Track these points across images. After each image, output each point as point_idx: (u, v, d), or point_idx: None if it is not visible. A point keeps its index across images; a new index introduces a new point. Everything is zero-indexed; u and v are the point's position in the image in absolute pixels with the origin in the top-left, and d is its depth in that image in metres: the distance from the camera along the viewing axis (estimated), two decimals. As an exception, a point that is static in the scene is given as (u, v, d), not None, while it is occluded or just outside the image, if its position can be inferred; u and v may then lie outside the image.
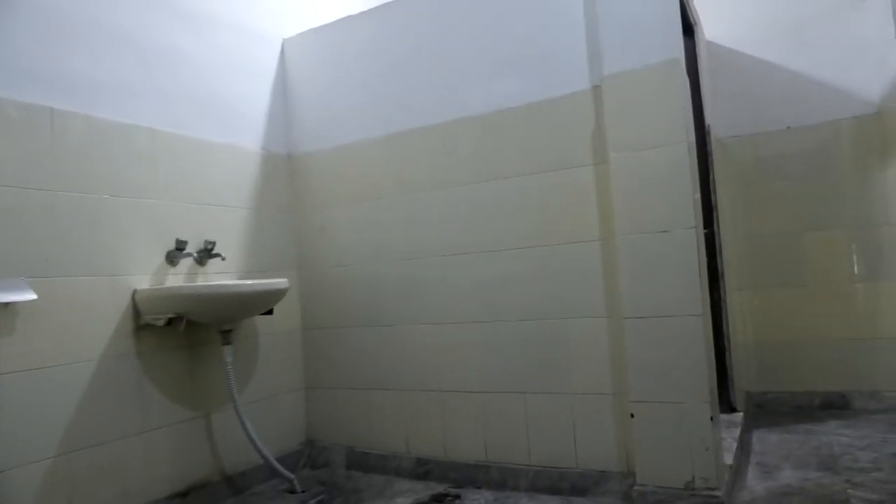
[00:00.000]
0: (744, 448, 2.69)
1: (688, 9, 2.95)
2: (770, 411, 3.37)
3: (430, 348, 2.69)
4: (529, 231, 2.47)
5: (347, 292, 2.91)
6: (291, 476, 2.52)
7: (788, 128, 3.41)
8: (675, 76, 2.10)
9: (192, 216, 2.50)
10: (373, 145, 2.84)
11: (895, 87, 2.98)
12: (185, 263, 2.44)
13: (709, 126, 3.14)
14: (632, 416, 2.16)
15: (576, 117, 2.37)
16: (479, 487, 2.49)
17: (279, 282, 2.41)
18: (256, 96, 2.92)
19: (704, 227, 3.06)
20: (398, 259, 2.77)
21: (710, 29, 3.53)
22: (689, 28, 3.08)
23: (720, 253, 3.10)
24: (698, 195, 2.27)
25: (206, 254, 2.49)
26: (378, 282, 2.82)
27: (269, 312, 2.58)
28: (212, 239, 2.52)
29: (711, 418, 2.04)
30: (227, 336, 2.38)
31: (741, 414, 3.07)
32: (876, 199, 3.23)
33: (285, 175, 3.03)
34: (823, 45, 3.35)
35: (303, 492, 2.51)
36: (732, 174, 3.53)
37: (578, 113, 2.36)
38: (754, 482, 2.33)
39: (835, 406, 3.28)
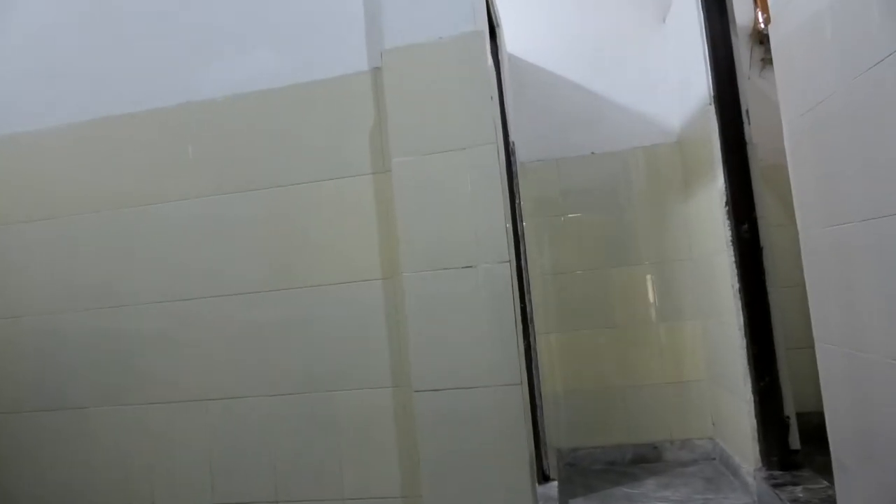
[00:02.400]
0: (563, 533, 2.18)
1: (490, 4, 2.49)
2: (582, 470, 2.96)
3: (136, 442, 1.80)
4: (286, 265, 1.73)
5: (11, 357, 1.91)
6: None
7: (593, 153, 3.12)
8: (480, 55, 1.54)
9: None
10: (55, 137, 1.91)
11: (693, 117, 2.79)
12: None
13: (513, 144, 2.70)
14: (428, 531, 1.50)
15: (350, 108, 1.71)
16: None
17: None
18: None
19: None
20: (92, 307, 1.86)
21: (510, 41, 3.15)
22: (491, 30, 2.62)
23: (528, 292, 2.63)
24: (510, 222, 1.74)
25: None
26: (60, 341, 1.87)
27: None
28: None
29: (533, 526, 1.45)
30: None
31: (555, 484, 2.58)
32: (678, 232, 3.02)
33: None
34: (624, 67, 3.13)
35: None
36: (537, 202, 3.14)
37: (354, 102, 1.71)
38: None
39: (647, 459, 2.97)
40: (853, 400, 1.41)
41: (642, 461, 2.97)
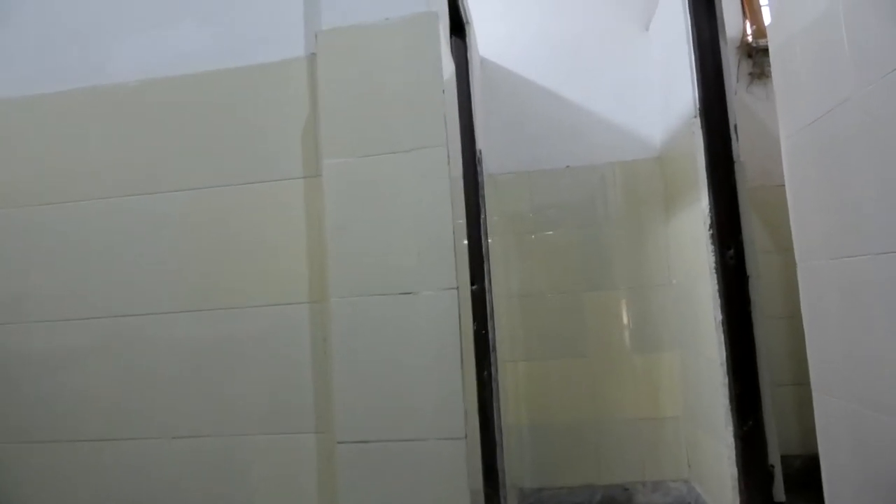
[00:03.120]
0: None
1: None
2: (546, 513, 2.70)
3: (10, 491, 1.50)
4: (198, 282, 1.46)
5: None
6: None
7: (568, 167, 2.89)
8: (432, 41, 1.30)
9: None
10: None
11: (677, 131, 2.58)
12: None
13: (480, 152, 2.46)
14: None
15: (283, 100, 1.46)
16: None
17: None
18: None
19: (472, 283, 2.33)
20: (-32, 325, 1.56)
21: (483, 44, 2.92)
22: (459, 25, 2.39)
23: (492, 317, 2.38)
24: (465, 240, 1.49)
25: None
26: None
27: None
28: None
29: None
30: None
31: (515, 532, 2.32)
32: (657, 256, 2.80)
33: None
34: (604, 75, 2.92)
35: None
36: (506, 218, 2.90)
37: (287, 93, 1.45)
38: None
39: (616, 501, 2.72)
40: (860, 468, 1.17)
41: (611, 503, 2.72)
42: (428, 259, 1.23)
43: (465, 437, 1.21)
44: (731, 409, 2.09)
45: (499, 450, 2.33)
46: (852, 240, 1.16)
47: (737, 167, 2.16)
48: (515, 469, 2.75)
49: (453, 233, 1.24)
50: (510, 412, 2.79)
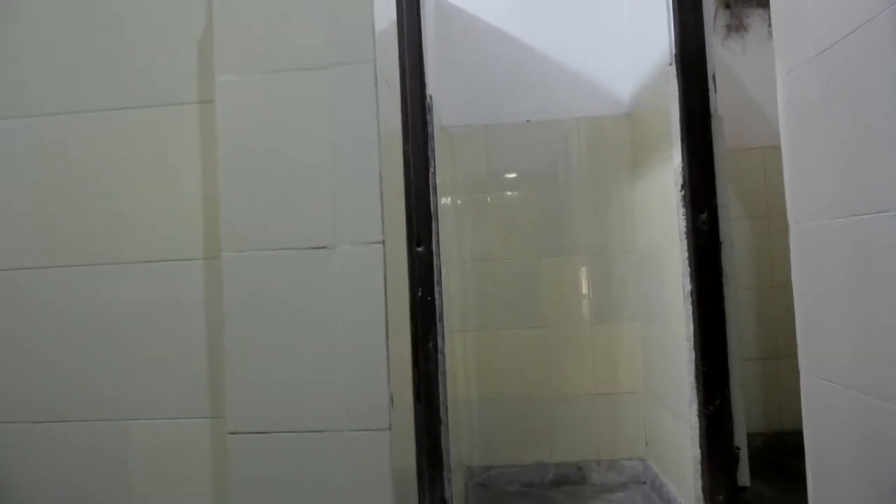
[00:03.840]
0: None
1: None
2: (495, 493, 2.52)
3: None
4: (68, 232, 1.16)
5: None
6: None
7: (528, 121, 2.64)
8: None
9: None
10: None
11: (649, 82, 2.35)
12: None
13: (431, 98, 2.18)
14: None
15: (176, 4, 1.15)
16: None
17: None
18: None
19: (418, 244, 2.08)
20: None
21: (442, -19, 2.63)
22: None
23: (439, 283, 2.14)
24: (401, 187, 1.23)
25: None
26: None
27: None
28: None
29: None
30: None
31: (459, 517, 2.13)
32: (621, 220, 2.59)
33: None
34: (571, 22, 2.66)
35: None
36: (460, 175, 2.65)
37: (177, -3, 1.15)
38: None
39: (570, 481, 2.55)
40: (860, 465, 0.98)
41: (564, 483, 2.55)
42: (347, 205, 0.97)
43: (390, 427, 0.97)
44: (697, 388, 1.91)
45: (443, 428, 2.11)
46: (867, 194, 0.94)
47: (714, 121, 1.95)
48: (463, 447, 2.55)
49: (380, 174, 0.98)
50: (459, 386, 2.58)
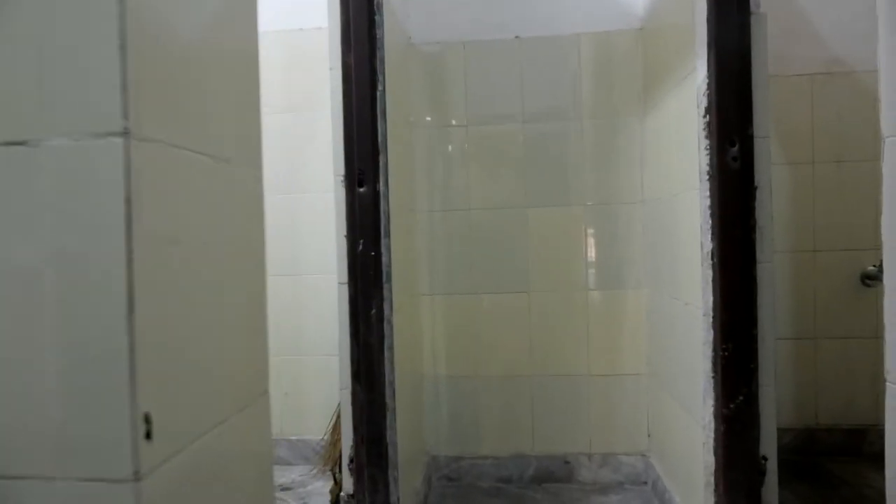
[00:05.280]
0: None
1: None
2: (465, 489, 2.11)
3: None
4: None
5: None
6: None
7: (518, 38, 2.13)
8: None
9: None
10: None
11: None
12: None
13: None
14: None
15: None
16: None
17: None
18: None
19: (360, 185, 1.62)
20: None
21: None
22: None
23: (387, 234, 1.67)
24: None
25: None
26: None
27: None
28: None
29: None
30: None
31: (406, 526, 1.72)
32: (628, 163, 2.10)
33: None
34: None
35: None
36: (430, 104, 2.16)
37: None
38: None
39: (555, 478, 2.12)
40: None
41: (548, 479, 2.12)
42: (58, 76, 0.51)
43: (137, 476, 0.52)
44: (715, 378, 1.45)
45: (389, 415, 1.68)
46: None
47: (754, 21, 1.43)
48: (428, 433, 2.13)
49: (119, 16, 0.50)
50: (424, 361, 2.14)
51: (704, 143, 1.48)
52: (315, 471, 2.19)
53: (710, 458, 1.48)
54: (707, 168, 1.48)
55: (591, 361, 2.11)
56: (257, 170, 0.78)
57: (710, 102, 1.47)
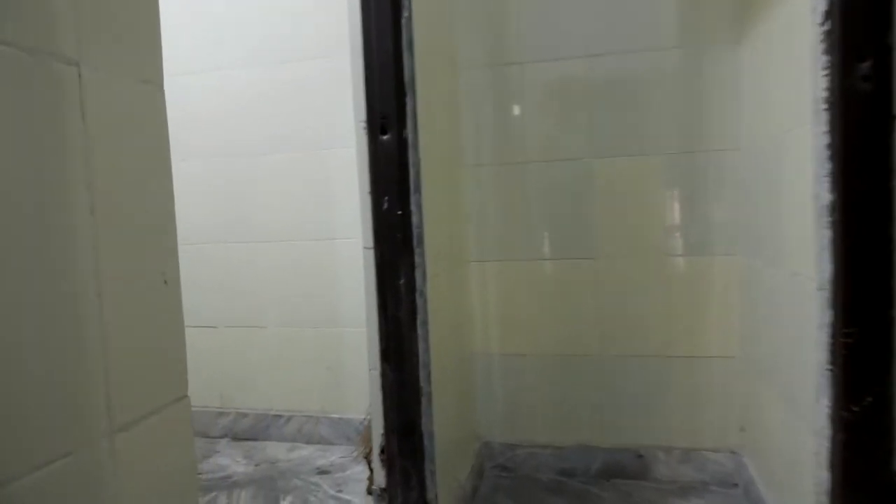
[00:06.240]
0: None
1: None
2: (521, 481, 1.86)
3: None
4: None
5: None
6: None
7: (584, -46, 1.77)
8: None
9: None
10: None
11: None
12: None
13: None
14: None
15: None
16: None
17: None
18: None
19: (383, 131, 1.37)
20: None
21: None
22: None
23: (417, 189, 1.41)
24: None
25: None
26: None
27: None
28: None
29: None
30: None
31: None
32: (721, 100, 1.72)
33: None
34: None
35: None
36: (474, 37, 1.85)
37: None
38: None
39: (626, 473, 1.83)
40: None
41: (617, 475, 1.84)
42: None
43: None
44: (833, 372, 1.11)
45: (424, 400, 1.45)
46: None
47: None
48: (480, 417, 1.89)
49: None
50: (474, 336, 1.90)
51: (822, 60, 1.11)
52: (356, 453, 2.01)
53: (824, 475, 1.15)
54: (825, 94, 1.11)
55: (671, 340, 1.78)
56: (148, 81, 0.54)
57: (829, 5, 1.09)
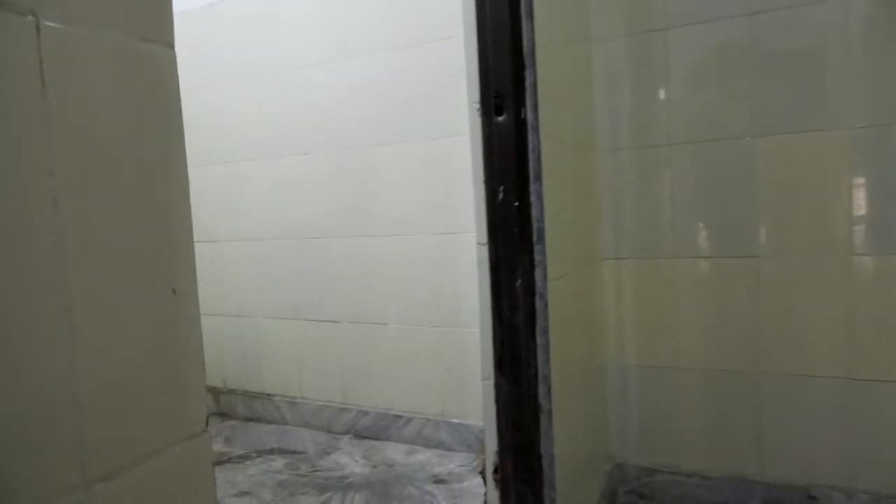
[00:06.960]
0: None
1: None
2: (659, 511, 1.62)
3: None
4: None
5: None
6: None
7: None
8: None
9: None
10: None
11: None
12: None
13: None
14: None
15: None
16: None
17: None
18: None
19: (498, 112, 1.21)
20: None
21: None
22: None
23: (538, 178, 1.23)
24: None
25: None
26: None
27: None
28: None
29: None
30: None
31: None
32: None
33: None
34: None
35: None
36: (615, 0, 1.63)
37: None
38: None
39: (792, 514, 1.53)
40: None
41: (782, 514, 1.54)
42: None
43: None
44: None
45: (543, 418, 1.28)
46: None
47: None
48: (612, 434, 1.69)
49: None
50: (609, 343, 1.69)
51: None
52: (476, 462, 1.87)
53: None
54: None
55: (855, 359, 1.45)
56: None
57: None
